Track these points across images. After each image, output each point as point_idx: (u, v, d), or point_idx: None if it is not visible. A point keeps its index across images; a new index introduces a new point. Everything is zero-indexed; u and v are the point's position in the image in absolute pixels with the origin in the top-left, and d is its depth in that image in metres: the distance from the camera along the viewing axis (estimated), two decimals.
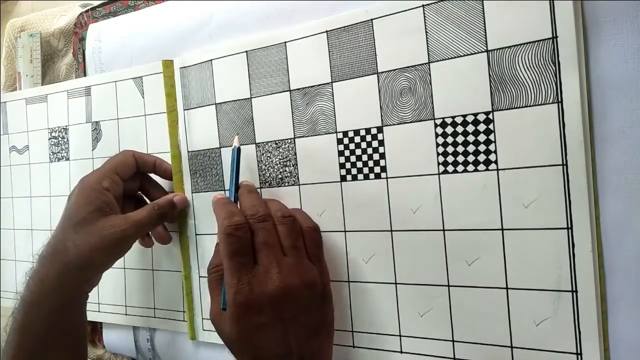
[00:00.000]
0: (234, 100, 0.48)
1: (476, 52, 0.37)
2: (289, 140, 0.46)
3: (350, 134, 0.43)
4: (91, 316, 0.61)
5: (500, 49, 0.36)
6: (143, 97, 0.56)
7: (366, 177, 0.42)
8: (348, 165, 0.43)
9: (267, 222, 0.40)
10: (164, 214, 0.49)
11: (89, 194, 0.47)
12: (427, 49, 0.39)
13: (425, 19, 0.39)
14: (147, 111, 0.56)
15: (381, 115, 0.41)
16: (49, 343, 0.45)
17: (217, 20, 0.51)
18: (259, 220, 0.40)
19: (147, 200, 0.54)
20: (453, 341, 0.39)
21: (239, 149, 0.45)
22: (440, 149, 0.39)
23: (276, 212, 0.41)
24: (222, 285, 0.40)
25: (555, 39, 0.34)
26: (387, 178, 0.41)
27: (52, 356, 0.46)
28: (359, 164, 0.42)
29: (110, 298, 0.60)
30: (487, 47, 0.37)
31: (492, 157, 0.37)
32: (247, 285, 0.37)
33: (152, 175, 0.55)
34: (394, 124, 0.41)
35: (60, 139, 0.64)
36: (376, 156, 0.42)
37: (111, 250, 0.46)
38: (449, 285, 0.39)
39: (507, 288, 0.37)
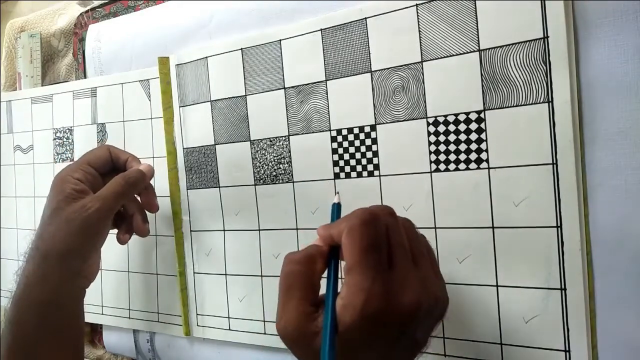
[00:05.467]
0: (229, 98, 0.49)
1: (468, 51, 0.38)
2: (283, 138, 0.46)
3: (344, 132, 0.43)
4: (93, 318, 0.61)
5: (492, 48, 0.37)
6: (150, 100, 0.56)
7: (359, 174, 0.42)
8: (341, 163, 0.43)
9: (397, 221, 0.32)
10: (132, 184, 0.48)
11: (60, 185, 0.46)
12: (420, 48, 0.39)
13: (418, 18, 0.39)
14: (154, 114, 0.56)
15: (374, 113, 0.42)
16: (39, 339, 0.45)
17: (216, 20, 0.52)
18: (390, 215, 0.32)
19: (141, 217, 0.52)
20: (444, 338, 0.39)
21: (339, 205, 0.37)
22: (433, 148, 0.39)
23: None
24: (329, 295, 0.30)
25: (546, 39, 0.35)
26: (379, 176, 0.42)
27: (44, 353, 0.45)
28: (352, 162, 0.43)
29: (113, 301, 0.60)
30: (479, 46, 0.37)
31: (483, 155, 0.37)
32: (381, 290, 0.28)
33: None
34: (387, 122, 0.41)
35: (65, 139, 0.64)
36: (369, 154, 0.42)
37: (82, 232, 0.44)
38: None
39: (497, 285, 0.37)
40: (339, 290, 0.30)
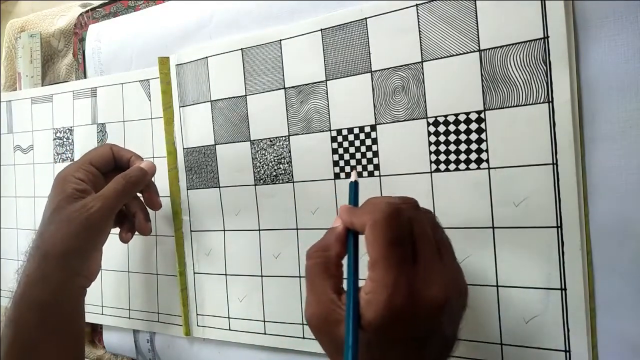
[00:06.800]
0: (229, 98, 0.49)
1: (469, 51, 0.38)
2: (284, 138, 0.46)
3: (344, 132, 0.43)
4: (93, 318, 0.61)
5: (492, 48, 0.37)
6: (150, 100, 0.56)
7: (359, 174, 0.42)
8: (342, 163, 0.43)
9: (421, 214, 0.31)
10: (133, 182, 0.48)
11: (62, 184, 0.46)
12: (421, 48, 0.39)
13: (418, 18, 0.39)
14: (154, 114, 0.56)
15: (375, 113, 0.42)
16: (40, 338, 0.44)
17: (217, 20, 0.52)
18: (414, 207, 0.31)
19: (143, 216, 0.52)
20: None
21: (356, 183, 0.37)
22: (433, 148, 0.39)
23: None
24: (349, 286, 0.30)
25: (546, 39, 0.35)
26: (380, 176, 0.42)
27: (44, 353, 0.45)
28: (353, 162, 0.43)
29: (113, 301, 0.60)
30: (479, 46, 0.37)
31: (483, 155, 0.37)
32: (405, 286, 0.28)
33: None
34: (387, 123, 0.41)
35: (65, 139, 0.64)
36: (369, 154, 0.42)
37: (83, 231, 0.44)
38: None
39: (497, 286, 0.37)
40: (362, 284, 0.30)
